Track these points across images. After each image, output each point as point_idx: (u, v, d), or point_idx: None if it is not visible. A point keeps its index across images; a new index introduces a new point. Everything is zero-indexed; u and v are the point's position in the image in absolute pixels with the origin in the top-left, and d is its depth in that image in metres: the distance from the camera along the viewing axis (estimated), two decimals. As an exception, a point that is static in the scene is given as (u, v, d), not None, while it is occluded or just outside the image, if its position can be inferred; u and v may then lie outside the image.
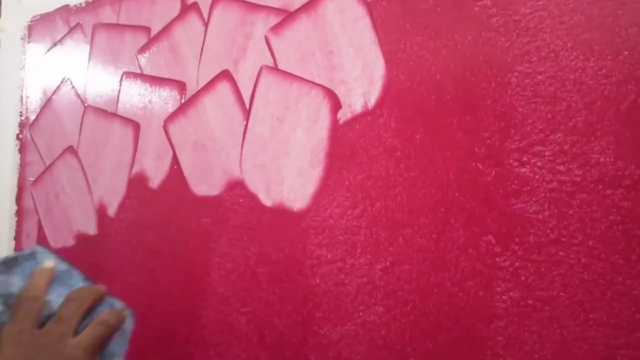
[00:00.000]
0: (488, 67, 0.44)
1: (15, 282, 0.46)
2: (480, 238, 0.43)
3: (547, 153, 0.41)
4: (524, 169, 0.41)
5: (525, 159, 0.41)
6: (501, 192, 0.42)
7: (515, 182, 0.42)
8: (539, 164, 0.41)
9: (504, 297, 0.41)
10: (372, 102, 0.49)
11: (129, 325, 0.48)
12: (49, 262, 0.47)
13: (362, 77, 0.50)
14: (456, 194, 0.44)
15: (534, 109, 0.42)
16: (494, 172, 0.43)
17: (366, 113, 0.50)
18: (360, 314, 0.48)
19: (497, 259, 0.42)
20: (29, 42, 0.81)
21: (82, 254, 0.70)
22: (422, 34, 0.47)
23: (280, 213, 0.54)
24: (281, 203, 0.54)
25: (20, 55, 0.82)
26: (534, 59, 0.42)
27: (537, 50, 0.42)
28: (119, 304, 0.48)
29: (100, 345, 0.44)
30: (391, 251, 0.47)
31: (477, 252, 0.43)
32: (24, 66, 0.81)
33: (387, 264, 0.47)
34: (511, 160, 0.42)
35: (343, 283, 0.49)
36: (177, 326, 0.58)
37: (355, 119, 0.50)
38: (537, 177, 0.41)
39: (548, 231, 0.40)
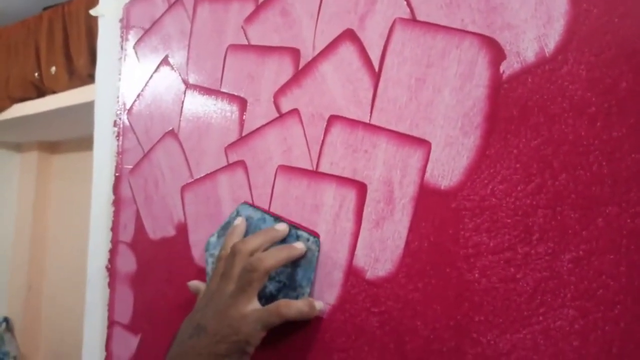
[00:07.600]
0: None
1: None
2: None
3: None
4: None
5: None
6: None
7: None
8: None
9: None
10: (550, 48, 0.39)
11: (313, 252, 0.48)
12: (238, 220, 0.53)
13: (535, 17, 0.40)
14: (691, 157, 0.32)
15: None
16: None
17: (542, 62, 0.39)
18: (541, 318, 0.37)
19: None
20: (127, 23, 0.77)
21: (182, 244, 0.64)
22: (626, -48, 0.36)
23: (423, 192, 0.44)
24: (424, 180, 0.44)
25: (118, 38, 0.78)
26: None
27: None
28: (303, 233, 0.49)
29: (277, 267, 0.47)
30: (585, 237, 0.36)
31: None
32: (121, 48, 0.77)
33: (580, 253, 0.36)
34: None
35: (514, 278, 0.39)
36: (290, 324, 0.49)
37: (527, 71, 0.40)
38: None
39: None
